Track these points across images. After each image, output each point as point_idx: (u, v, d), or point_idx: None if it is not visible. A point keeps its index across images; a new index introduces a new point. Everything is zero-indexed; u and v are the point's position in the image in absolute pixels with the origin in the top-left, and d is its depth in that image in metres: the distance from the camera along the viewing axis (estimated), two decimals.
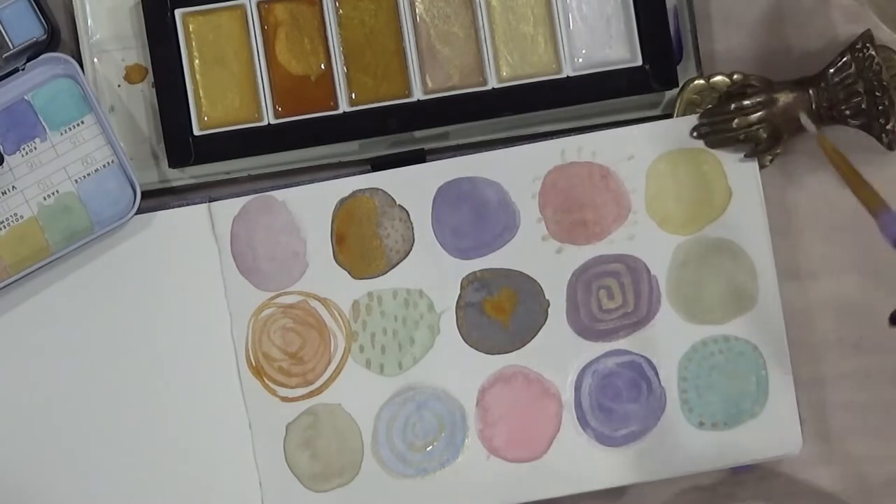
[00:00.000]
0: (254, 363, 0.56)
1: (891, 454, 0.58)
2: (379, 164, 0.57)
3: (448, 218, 0.56)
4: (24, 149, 0.56)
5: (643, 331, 0.57)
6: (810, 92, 0.55)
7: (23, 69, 0.56)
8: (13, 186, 0.56)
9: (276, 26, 0.56)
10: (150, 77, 0.57)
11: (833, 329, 0.58)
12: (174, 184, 0.58)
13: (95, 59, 0.57)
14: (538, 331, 0.57)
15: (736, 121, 0.55)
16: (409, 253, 0.56)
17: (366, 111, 0.56)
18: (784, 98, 0.55)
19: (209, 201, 0.56)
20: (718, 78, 0.56)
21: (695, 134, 0.56)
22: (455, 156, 0.57)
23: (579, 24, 0.57)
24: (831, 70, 0.55)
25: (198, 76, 0.56)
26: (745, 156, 0.56)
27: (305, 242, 0.56)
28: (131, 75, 0.57)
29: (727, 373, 0.57)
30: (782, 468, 0.58)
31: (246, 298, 0.56)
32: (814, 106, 0.55)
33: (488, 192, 0.56)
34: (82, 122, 0.56)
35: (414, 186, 0.56)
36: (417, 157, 0.57)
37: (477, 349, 0.57)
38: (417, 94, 0.56)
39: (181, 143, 0.56)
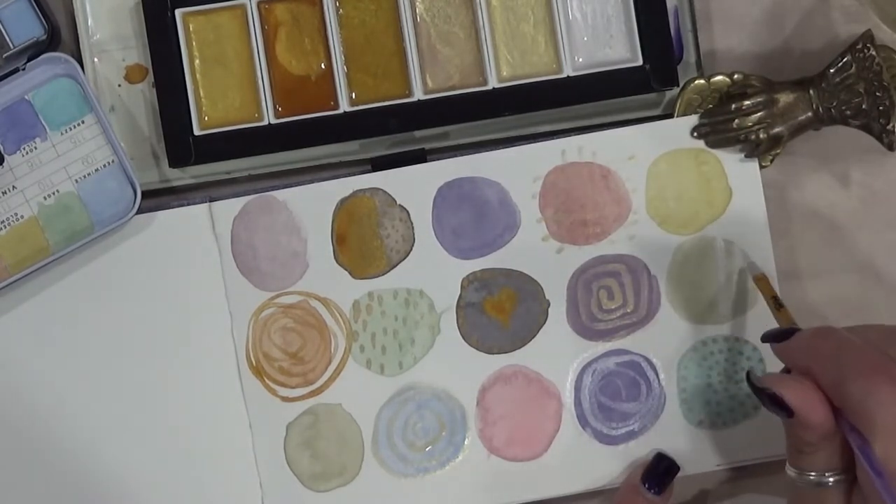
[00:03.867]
0: (254, 363, 0.56)
1: None
2: (379, 164, 0.57)
3: (448, 218, 0.56)
4: (24, 148, 0.56)
5: (643, 331, 0.57)
6: (810, 92, 0.55)
7: (23, 69, 0.55)
8: (13, 186, 0.56)
9: (277, 26, 0.56)
10: (151, 77, 0.57)
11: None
12: (174, 184, 0.58)
13: (95, 59, 0.57)
14: (538, 331, 0.57)
15: (736, 121, 0.55)
16: (409, 253, 0.56)
17: (366, 111, 0.56)
18: (784, 98, 0.55)
19: (209, 201, 0.56)
20: (719, 78, 0.56)
21: (695, 134, 0.56)
22: (455, 156, 0.57)
23: (579, 24, 0.57)
24: (832, 70, 0.55)
25: (198, 76, 0.56)
26: (745, 156, 0.56)
27: (306, 242, 0.56)
28: (131, 75, 0.57)
29: (727, 372, 0.57)
30: (782, 467, 0.58)
31: (246, 298, 0.56)
32: (814, 106, 0.55)
33: (489, 192, 0.56)
34: (82, 122, 0.56)
35: (414, 186, 0.56)
36: (418, 157, 0.57)
37: (477, 349, 0.57)
38: (418, 94, 0.56)
39: (181, 143, 0.56)
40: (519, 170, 0.56)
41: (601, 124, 0.57)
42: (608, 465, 0.56)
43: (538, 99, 0.56)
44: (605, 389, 0.57)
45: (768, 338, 0.50)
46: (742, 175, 0.57)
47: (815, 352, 0.46)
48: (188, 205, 0.56)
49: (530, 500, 0.57)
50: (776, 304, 0.53)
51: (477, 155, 0.56)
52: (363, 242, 0.56)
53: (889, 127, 0.54)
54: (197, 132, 0.56)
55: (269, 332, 0.56)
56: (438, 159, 0.57)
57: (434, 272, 0.56)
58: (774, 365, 0.56)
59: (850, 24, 0.58)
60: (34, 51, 0.56)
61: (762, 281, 0.55)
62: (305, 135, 0.56)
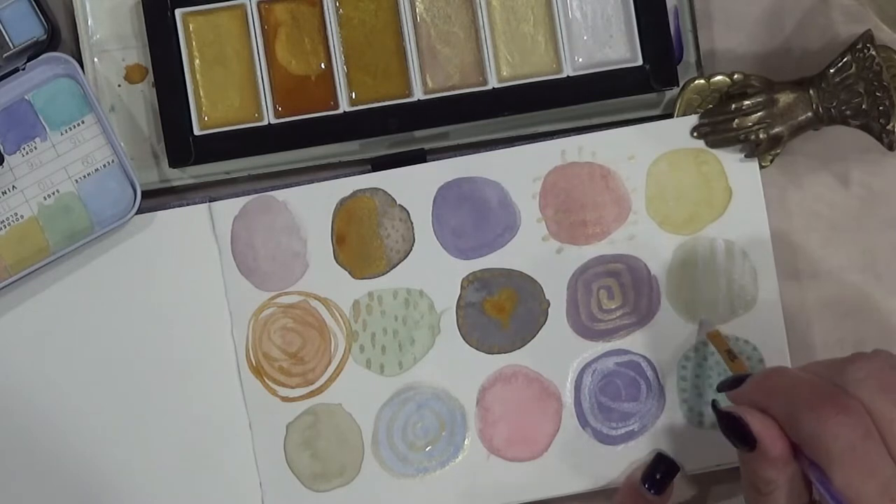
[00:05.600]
0: (254, 363, 0.56)
1: None
2: (379, 164, 0.57)
3: (448, 218, 0.56)
4: (24, 149, 0.56)
5: (643, 331, 0.57)
6: (810, 92, 0.55)
7: (23, 69, 0.55)
8: (13, 186, 0.56)
9: (277, 26, 0.56)
10: (151, 77, 0.57)
11: (833, 329, 0.58)
12: (174, 184, 0.58)
13: (95, 59, 0.57)
14: (538, 331, 0.57)
15: (736, 121, 0.55)
16: (409, 253, 0.56)
17: (366, 111, 0.56)
18: (784, 98, 0.55)
19: (209, 201, 0.56)
20: (718, 78, 0.56)
21: (695, 134, 0.56)
22: (455, 156, 0.57)
23: (579, 24, 0.57)
24: (831, 70, 0.55)
25: (198, 76, 0.56)
26: (745, 156, 0.56)
27: (306, 242, 0.56)
28: (131, 75, 0.57)
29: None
30: None
31: (246, 298, 0.56)
32: (814, 106, 0.55)
33: (488, 192, 0.56)
34: (82, 122, 0.56)
35: (414, 186, 0.56)
36: (417, 157, 0.57)
37: (477, 349, 0.57)
38: (417, 94, 0.56)
39: (181, 143, 0.56)
40: (519, 170, 0.56)
41: (601, 124, 0.57)
42: (608, 465, 0.56)
43: (538, 99, 0.56)
44: (605, 389, 0.57)
45: (724, 387, 0.50)
46: (742, 175, 0.57)
47: (768, 391, 0.47)
48: (188, 205, 0.56)
49: (530, 500, 0.57)
50: (730, 357, 0.54)
51: (477, 155, 0.56)
52: (363, 242, 0.56)
53: (889, 127, 0.54)
54: (197, 132, 0.56)
55: (269, 333, 0.56)
56: (438, 159, 0.57)
57: (434, 272, 0.56)
58: (775, 364, 0.56)
59: (850, 24, 0.58)
60: (34, 51, 0.56)
61: (716, 338, 0.55)
62: (305, 135, 0.56)
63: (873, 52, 0.54)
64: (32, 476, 0.56)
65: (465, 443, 0.57)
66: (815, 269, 0.58)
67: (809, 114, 0.55)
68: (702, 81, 0.56)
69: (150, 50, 0.56)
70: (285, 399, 0.56)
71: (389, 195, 0.56)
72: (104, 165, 0.56)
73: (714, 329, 0.56)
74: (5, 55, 0.55)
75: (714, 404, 0.49)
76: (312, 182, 0.57)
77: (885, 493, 0.42)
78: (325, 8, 0.56)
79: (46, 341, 0.56)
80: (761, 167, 0.57)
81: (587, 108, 0.57)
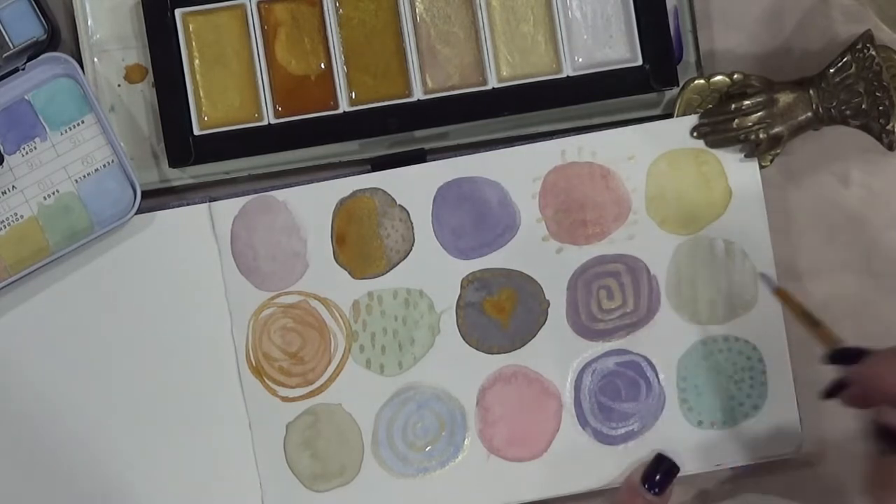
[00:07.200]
0: (254, 363, 0.56)
1: None
2: (379, 164, 0.57)
3: (448, 218, 0.56)
4: (24, 149, 0.56)
5: (643, 330, 0.57)
6: (810, 92, 0.55)
7: (23, 69, 0.56)
8: (13, 186, 0.56)
9: (277, 26, 0.56)
10: (151, 77, 0.57)
11: (833, 329, 0.58)
12: (174, 184, 0.58)
13: (95, 59, 0.57)
14: (538, 331, 0.57)
15: (736, 121, 0.55)
16: (409, 253, 0.56)
17: (366, 111, 0.56)
18: (784, 98, 0.55)
19: (209, 201, 0.56)
20: (718, 78, 0.56)
21: (695, 134, 0.56)
22: (455, 156, 0.57)
23: (579, 24, 0.57)
24: (831, 70, 0.55)
25: (198, 76, 0.56)
26: (745, 156, 0.56)
27: (305, 242, 0.56)
28: (131, 75, 0.57)
29: (727, 372, 0.57)
30: (782, 467, 0.58)
31: (246, 298, 0.56)
32: (814, 106, 0.55)
33: (488, 192, 0.56)
34: (82, 122, 0.56)
35: (414, 186, 0.56)
36: (417, 157, 0.57)
37: (477, 349, 0.57)
38: (417, 94, 0.56)
39: (181, 143, 0.56)
40: (519, 170, 0.56)
41: (601, 124, 0.57)
42: (608, 465, 0.56)
43: (538, 99, 0.56)
44: (604, 389, 0.57)
45: (837, 360, 0.48)
46: (742, 175, 0.57)
47: None
48: (188, 205, 0.56)
49: (530, 500, 0.57)
50: (811, 322, 0.51)
51: (477, 155, 0.57)
52: (363, 242, 0.56)
53: (889, 127, 0.54)
54: (197, 132, 0.56)
55: (269, 332, 0.56)
56: (438, 159, 0.57)
57: (434, 272, 0.56)
58: (774, 365, 0.56)
59: (850, 24, 0.58)
60: (34, 51, 0.56)
61: (787, 298, 0.53)
62: (305, 135, 0.56)
63: (873, 52, 0.54)
64: (33, 475, 0.56)
65: (465, 443, 0.57)
66: (816, 268, 0.58)
67: (809, 114, 0.55)
68: (702, 81, 0.56)
69: (150, 50, 0.56)
70: (285, 399, 0.56)
71: (389, 195, 0.56)
72: (104, 165, 0.56)
73: (779, 286, 0.53)
74: (5, 55, 0.55)
75: (874, 422, 0.45)
76: (312, 182, 0.57)
77: None
78: (325, 8, 0.56)
79: (46, 341, 0.56)
80: (761, 167, 0.57)
81: (587, 108, 0.57)
